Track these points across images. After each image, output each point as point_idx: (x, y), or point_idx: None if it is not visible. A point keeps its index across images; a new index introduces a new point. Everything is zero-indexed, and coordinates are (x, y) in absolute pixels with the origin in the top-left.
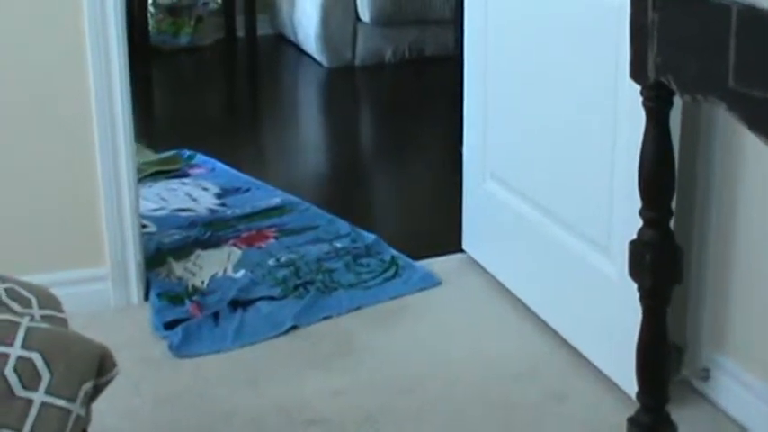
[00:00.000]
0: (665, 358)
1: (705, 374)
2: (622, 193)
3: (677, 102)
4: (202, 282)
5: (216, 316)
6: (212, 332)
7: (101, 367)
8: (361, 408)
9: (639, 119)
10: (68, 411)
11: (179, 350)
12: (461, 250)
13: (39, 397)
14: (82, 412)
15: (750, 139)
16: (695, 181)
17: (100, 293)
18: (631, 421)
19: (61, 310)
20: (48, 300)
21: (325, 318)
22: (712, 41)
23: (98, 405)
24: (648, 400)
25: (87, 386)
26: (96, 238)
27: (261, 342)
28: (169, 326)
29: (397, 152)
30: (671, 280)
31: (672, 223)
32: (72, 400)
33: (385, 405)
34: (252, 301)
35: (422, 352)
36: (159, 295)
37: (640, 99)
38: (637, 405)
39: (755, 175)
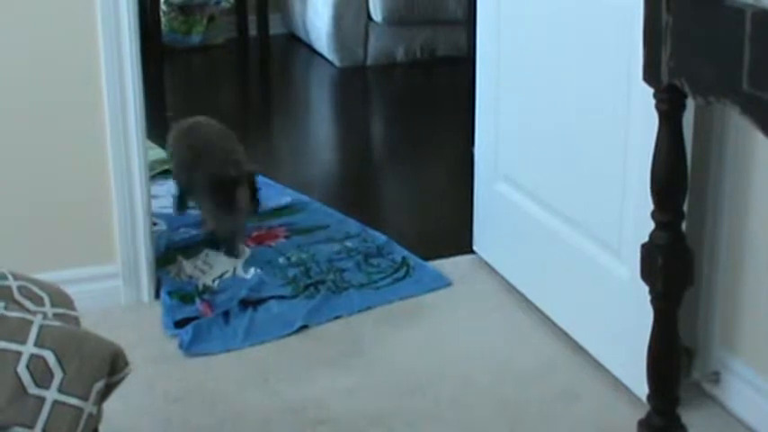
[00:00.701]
0: (675, 361)
1: (716, 377)
2: (634, 196)
3: (690, 104)
4: (213, 280)
5: (226, 315)
6: (223, 331)
7: (113, 366)
8: (371, 407)
9: (652, 121)
10: (81, 410)
11: (189, 349)
12: (472, 251)
13: (51, 395)
14: (94, 411)
15: (763, 143)
16: (707, 184)
17: (111, 291)
18: (642, 424)
19: (73, 309)
20: (60, 298)
21: (336, 317)
22: (726, 45)
23: (108, 403)
24: (659, 402)
25: (99, 385)
26: (108, 235)
27: (271, 341)
28: (180, 324)
29: (409, 152)
30: (682, 283)
31: (684, 226)
32: (84, 398)
33: (395, 405)
34: (262, 301)
35: (432, 352)
36: (170, 294)
37: (653, 101)
38: (647, 407)
39: (766, 176)
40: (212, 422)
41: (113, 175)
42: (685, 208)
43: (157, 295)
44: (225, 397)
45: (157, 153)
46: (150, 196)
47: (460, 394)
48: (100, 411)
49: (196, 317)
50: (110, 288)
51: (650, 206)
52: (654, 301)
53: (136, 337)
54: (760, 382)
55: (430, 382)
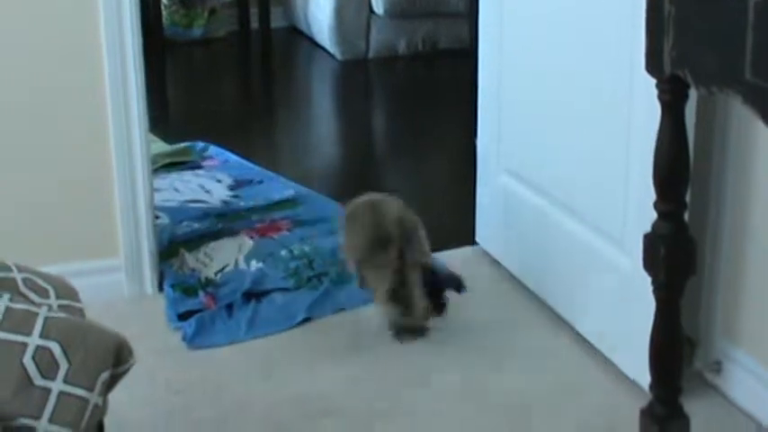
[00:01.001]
0: (678, 350)
1: (718, 367)
2: (637, 186)
3: (692, 94)
4: (215, 273)
5: (229, 307)
6: (226, 323)
7: (118, 357)
8: (374, 399)
9: (655, 111)
10: (86, 401)
11: (193, 341)
12: (475, 243)
13: (57, 386)
14: (99, 401)
15: (765, 133)
16: (710, 174)
17: (114, 284)
18: (644, 413)
19: (78, 300)
20: (65, 290)
21: (339, 309)
22: (729, 35)
23: (112, 395)
24: (661, 392)
25: (105, 375)
26: (110, 229)
27: (274, 333)
28: (183, 317)
29: (411, 145)
30: (685, 272)
31: (686, 216)
32: (90, 389)
33: (399, 396)
34: (265, 293)
35: (435, 343)
36: (173, 286)
37: (656, 92)
38: (649, 397)
39: None
40: (215, 414)
41: (116, 168)
42: (688, 198)
43: (161, 288)
44: (228, 389)
45: (160, 146)
46: (153, 190)
47: (462, 385)
48: (105, 402)
49: (199, 309)
50: (113, 281)
51: (653, 197)
52: (656, 291)
53: (139, 330)
54: (762, 371)
55: (433, 373)
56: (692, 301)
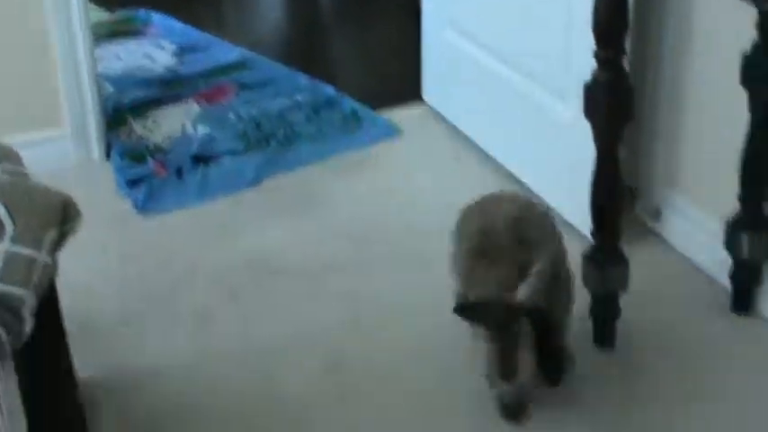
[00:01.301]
0: (618, 198)
1: (657, 212)
2: (580, 39)
3: None
4: (163, 139)
5: (179, 172)
6: (176, 189)
7: (64, 215)
8: (325, 257)
9: None
10: (34, 259)
11: (144, 207)
12: (422, 100)
13: (3, 246)
14: (48, 260)
15: None
16: (650, 22)
17: (60, 154)
18: (586, 258)
19: (21, 164)
20: (7, 154)
21: (288, 170)
22: None
23: (65, 262)
24: (602, 237)
25: (52, 234)
26: (54, 99)
27: (225, 196)
28: (133, 184)
29: (357, 7)
30: (624, 118)
31: (627, 65)
32: (37, 248)
33: (349, 253)
34: (214, 157)
35: (384, 201)
36: (121, 155)
37: None
38: (591, 242)
39: (709, 16)
40: (168, 278)
41: (56, 37)
42: (628, 47)
43: (108, 157)
44: (180, 253)
45: (100, 15)
46: (95, 58)
47: (412, 239)
48: (55, 261)
49: (149, 176)
50: (59, 150)
51: (594, 48)
52: (596, 139)
53: (89, 198)
54: (699, 215)
55: (382, 229)
56: (633, 151)
